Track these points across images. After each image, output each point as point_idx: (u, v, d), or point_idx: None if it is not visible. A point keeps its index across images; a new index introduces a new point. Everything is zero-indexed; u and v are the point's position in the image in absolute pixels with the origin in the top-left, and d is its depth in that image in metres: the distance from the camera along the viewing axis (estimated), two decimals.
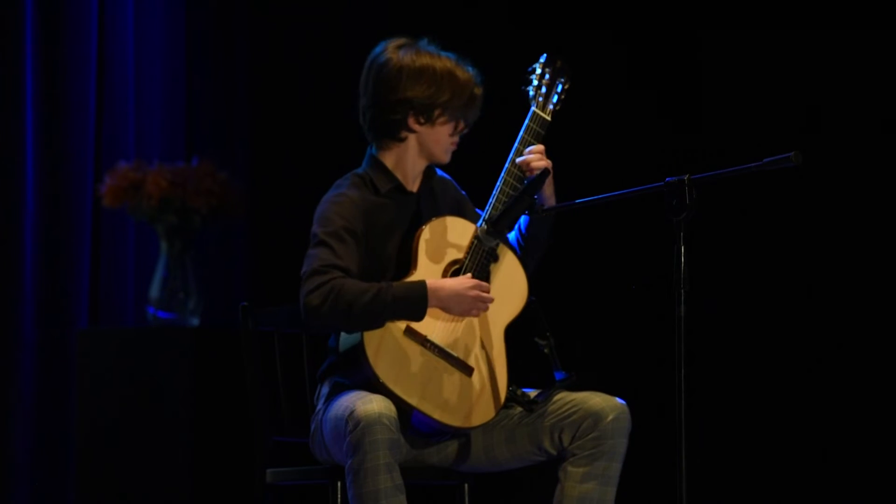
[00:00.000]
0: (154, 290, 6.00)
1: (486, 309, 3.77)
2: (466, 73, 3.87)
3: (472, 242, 3.82)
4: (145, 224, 6.08)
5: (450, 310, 3.74)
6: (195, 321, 6.01)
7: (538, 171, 3.82)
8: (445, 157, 3.92)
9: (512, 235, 3.98)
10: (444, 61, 3.86)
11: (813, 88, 5.76)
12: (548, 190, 3.88)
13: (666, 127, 5.91)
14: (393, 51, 3.86)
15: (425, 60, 3.84)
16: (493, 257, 3.81)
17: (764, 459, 5.78)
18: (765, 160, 3.31)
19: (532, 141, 3.89)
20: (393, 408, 3.60)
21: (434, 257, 3.81)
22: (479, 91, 3.88)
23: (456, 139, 3.91)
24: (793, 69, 5.78)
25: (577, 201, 3.83)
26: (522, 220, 3.94)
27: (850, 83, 5.73)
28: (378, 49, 3.89)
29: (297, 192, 6.08)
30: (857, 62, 5.73)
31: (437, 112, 3.85)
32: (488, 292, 3.76)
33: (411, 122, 3.86)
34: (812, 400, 5.72)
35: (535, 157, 3.85)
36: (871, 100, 5.70)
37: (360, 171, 3.93)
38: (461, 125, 3.90)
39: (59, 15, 6.33)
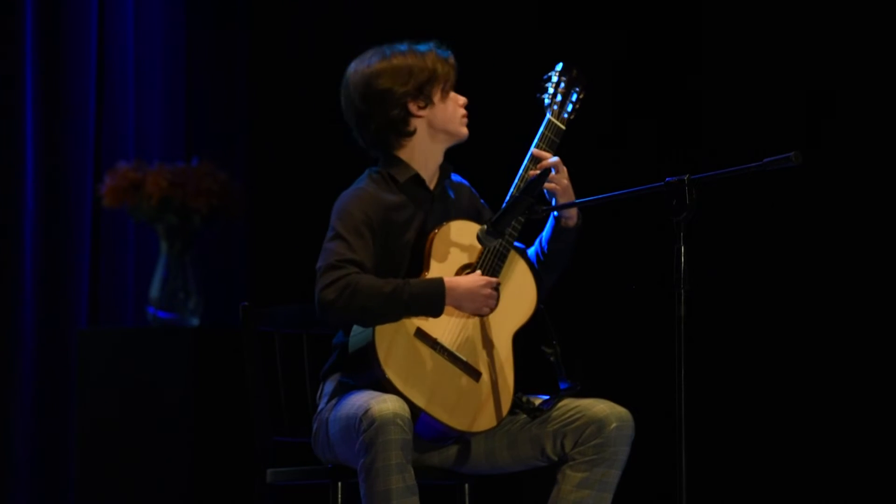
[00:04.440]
0: (154, 290, 6.00)
1: (495, 307, 3.78)
2: (425, 48, 3.91)
3: (482, 247, 3.83)
4: (145, 224, 6.08)
5: (462, 307, 3.76)
6: (195, 321, 6.00)
7: (539, 172, 3.82)
8: (462, 129, 3.94)
9: (532, 250, 3.98)
10: (400, 49, 3.90)
11: (814, 84, 5.75)
12: (571, 213, 3.90)
13: (666, 127, 5.92)
14: (356, 66, 3.92)
15: (388, 55, 3.89)
16: (503, 260, 3.82)
17: (763, 461, 5.78)
18: (765, 160, 3.31)
19: (545, 148, 3.90)
20: (407, 408, 3.61)
21: (445, 261, 3.82)
22: (448, 57, 3.91)
23: (464, 109, 3.94)
24: (795, 63, 5.78)
25: (577, 201, 3.84)
26: (544, 234, 3.96)
27: (849, 81, 5.73)
28: (344, 79, 3.95)
29: (297, 192, 6.09)
30: (857, 57, 5.73)
31: (429, 89, 3.88)
32: (498, 290, 3.78)
33: (413, 108, 3.88)
34: (812, 401, 5.72)
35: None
36: (870, 98, 5.69)
37: (376, 168, 3.94)
38: (456, 95, 3.92)
39: (59, 15, 6.33)
